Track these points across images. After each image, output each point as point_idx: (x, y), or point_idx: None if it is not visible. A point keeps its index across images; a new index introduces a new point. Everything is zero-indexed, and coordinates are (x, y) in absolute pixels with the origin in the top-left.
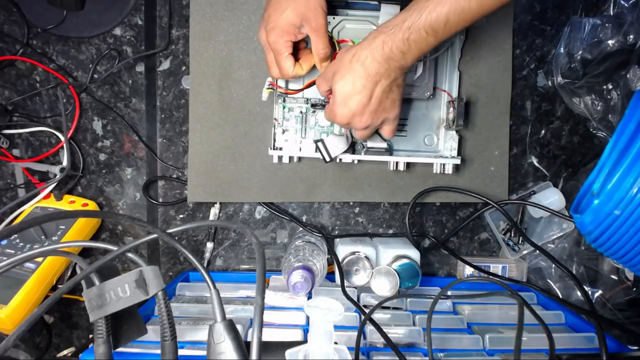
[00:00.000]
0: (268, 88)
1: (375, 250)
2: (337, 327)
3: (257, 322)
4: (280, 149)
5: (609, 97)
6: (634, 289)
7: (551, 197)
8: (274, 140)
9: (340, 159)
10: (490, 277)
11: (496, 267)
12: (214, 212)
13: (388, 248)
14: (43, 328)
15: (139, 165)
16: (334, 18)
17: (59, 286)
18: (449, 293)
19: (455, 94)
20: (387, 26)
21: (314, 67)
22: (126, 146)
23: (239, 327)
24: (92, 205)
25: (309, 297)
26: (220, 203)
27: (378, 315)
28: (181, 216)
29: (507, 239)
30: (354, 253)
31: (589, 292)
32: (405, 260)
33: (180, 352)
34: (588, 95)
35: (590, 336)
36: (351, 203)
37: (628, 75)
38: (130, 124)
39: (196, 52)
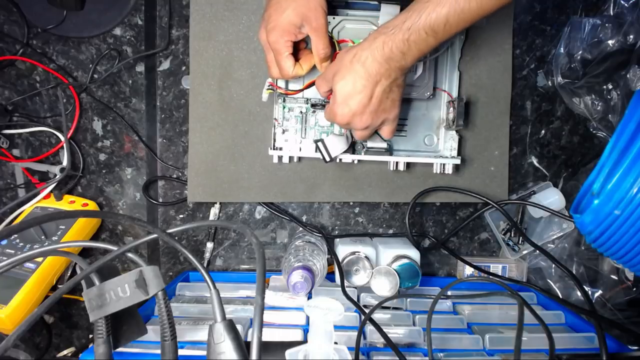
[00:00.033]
0: (268, 89)
1: (375, 250)
2: (337, 327)
3: (257, 322)
4: (280, 149)
5: (609, 97)
6: (634, 289)
7: (551, 197)
8: (274, 140)
9: (340, 159)
10: (490, 277)
11: (496, 267)
12: (214, 212)
13: (388, 248)
14: (43, 328)
15: (139, 165)
16: (334, 18)
17: (59, 286)
18: (449, 293)
19: (455, 94)
20: (387, 27)
21: (313, 67)
22: (126, 146)
23: (239, 327)
24: (92, 205)
25: (309, 297)
26: (220, 203)
27: (378, 315)
28: (181, 216)
29: (507, 239)
30: (354, 253)
31: (589, 292)
32: (405, 260)
33: (180, 352)
34: (588, 95)
35: (590, 336)
36: (351, 203)
37: (628, 75)
38: (130, 124)
39: (196, 52)
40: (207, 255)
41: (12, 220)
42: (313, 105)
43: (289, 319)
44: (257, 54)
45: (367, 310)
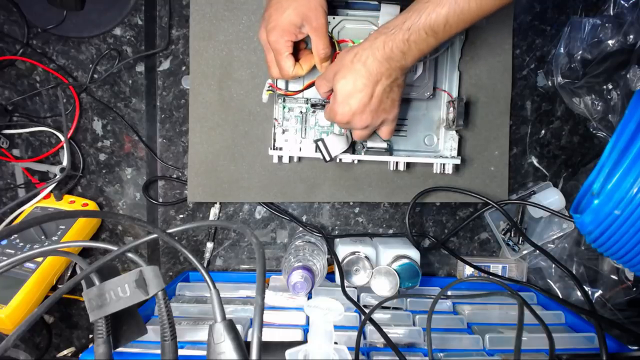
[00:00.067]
0: (268, 90)
1: (375, 250)
2: (337, 327)
3: (257, 322)
4: (280, 149)
5: (609, 97)
6: (634, 289)
7: (551, 197)
8: (274, 140)
9: (340, 159)
10: (490, 277)
11: (496, 267)
12: (214, 212)
13: (388, 248)
14: (43, 328)
15: (139, 165)
16: (334, 18)
17: (59, 286)
18: (449, 293)
19: (455, 94)
20: (387, 27)
21: (313, 67)
22: (126, 146)
23: (239, 327)
24: (92, 205)
25: (309, 297)
26: (220, 203)
27: (378, 315)
28: (181, 216)
29: (507, 239)
30: (354, 253)
31: (589, 292)
32: (405, 260)
33: (180, 352)
34: (588, 95)
35: (590, 336)
36: (351, 203)
37: (628, 75)
38: (130, 124)
39: (196, 52)
40: (207, 255)
41: (12, 220)
42: (313, 105)
43: (289, 319)
44: (257, 54)
45: (367, 310)
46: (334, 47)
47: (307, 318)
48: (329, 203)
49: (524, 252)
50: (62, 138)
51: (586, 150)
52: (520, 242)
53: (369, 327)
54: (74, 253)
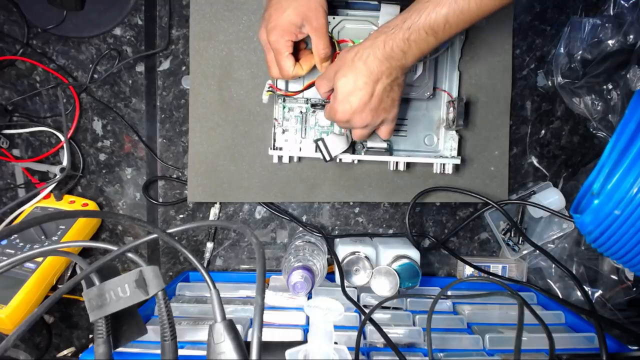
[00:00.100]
0: (268, 91)
1: (375, 250)
2: (337, 327)
3: (257, 322)
4: (280, 149)
5: (609, 97)
6: (634, 289)
7: (551, 197)
8: (274, 140)
9: (340, 159)
10: (490, 277)
11: (496, 267)
12: (214, 212)
13: (388, 248)
14: (43, 328)
15: (139, 165)
16: (334, 18)
17: (59, 286)
18: (449, 293)
19: (455, 94)
20: (387, 26)
21: (313, 67)
22: (126, 146)
23: (239, 327)
24: (92, 205)
25: (309, 297)
26: (220, 203)
27: (378, 315)
28: (181, 216)
29: (507, 239)
30: (354, 253)
31: (589, 292)
32: (405, 260)
33: (180, 352)
34: (588, 95)
35: (590, 336)
36: (351, 203)
37: (628, 75)
38: (130, 124)
39: (196, 52)
40: (207, 255)
41: (12, 220)
42: (313, 105)
43: (289, 319)
44: (257, 54)
45: (367, 310)
46: (334, 47)
47: (307, 318)
48: (329, 203)
49: (524, 252)
50: (62, 138)
51: (586, 150)
52: (520, 242)
53: (369, 327)
54: (74, 253)
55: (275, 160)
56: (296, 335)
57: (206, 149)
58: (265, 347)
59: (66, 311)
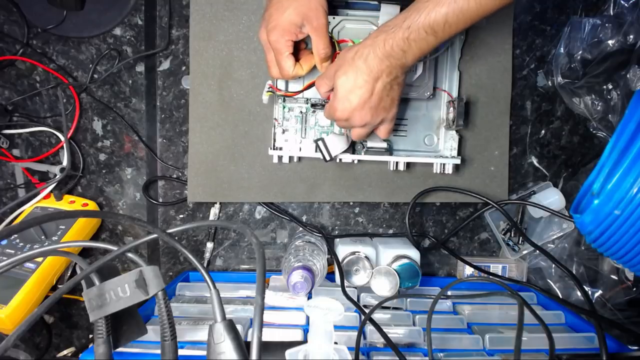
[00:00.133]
0: (268, 91)
1: (375, 250)
2: (337, 327)
3: (257, 322)
4: (280, 149)
5: (609, 97)
6: (634, 289)
7: (551, 197)
8: (274, 140)
9: (340, 159)
10: (490, 277)
11: (496, 267)
12: (214, 212)
13: (388, 248)
14: (43, 328)
15: (139, 165)
16: (334, 18)
17: (59, 286)
18: (449, 293)
19: (455, 94)
20: (388, 25)
21: (313, 67)
22: (126, 146)
23: (239, 327)
24: (92, 205)
25: (309, 297)
26: (220, 203)
27: (378, 315)
28: (181, 216)
29: (507, 239)
30: (354, 253)
31: (589, 292)
32: (405, 260)
33: (180, 352)
34: (588, 95)
35: (590, 336)
36: (351, 203)
37: (628, 75)
38: (130, 124)
39: (196, 52)
40: (207, 255)
41: (12, 220)
42: (313, 105)
43: (289, 319)
44: (257, 54)
45: (367, 310)
46: (334, 47)
47: (307, 318)
48: (329, 203)
49: (524, 252)
50: (62, 138)
51: (586, 150)
52: (520, 242)
53: (369, 327)
54: (74, 253)
55: (275, 160)
56: (296, 335)
57: (206, 149)
58: (265, 347)
59: (66, 311)
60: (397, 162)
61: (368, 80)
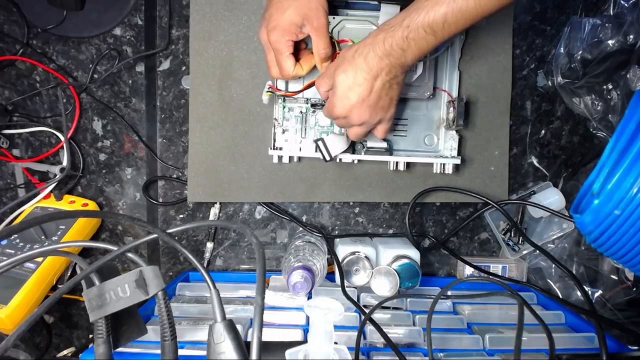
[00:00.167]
0: (268, 91)
1: (375, 250)
2: (337, 327)
3: (257, 322)
4: (280, 149)
5: (609, 97)
6: (634, 289)
7: (551, 197)
8: (274, 140)
9: (340, 159)
10: (490, 277)
11: (496, 267)
12: (214, 212)
13: (388, 248)
14: (43, 328)
15: (139, 165)
16: (334, 18)
17: (59, 286)
18: (449, 293)
19: (455, 94)
20: (387, 24)
21: (314, 68)
22: (126, 146)
23: (239, 327)
24: (92, 205)
25: (309, 297)
26: (220, 203)
27: (378, 315)
28: (181, 216)
29: (507, 239)
30: (354, 253)
31: (589, 292)
32: (405, 260)
33: (180, 352)
34: (588, 95)
35: (590, 336)
36: (351, 203)
37: (628, 75)
38: (130, 124)
39: (196, 52)
40: (207, 255)
41: (12, 220)
42: (313, 105)
43: (289, 319)
44: (257, 54)
45: (367, 310)
46: (334, 47)
47: (307, 318)
48: (329, 203)
49: (524, 252)
50: (62, 138)
51: (586, 150)
52: (520, 242)
53: (369, 327)
54: (74, 253)
55: (275, 160)
56: (296, 335)
57: (206, 149)
58: (265, 347)
59: (66, 311)
60: (397, 162)
61: (367, 78)
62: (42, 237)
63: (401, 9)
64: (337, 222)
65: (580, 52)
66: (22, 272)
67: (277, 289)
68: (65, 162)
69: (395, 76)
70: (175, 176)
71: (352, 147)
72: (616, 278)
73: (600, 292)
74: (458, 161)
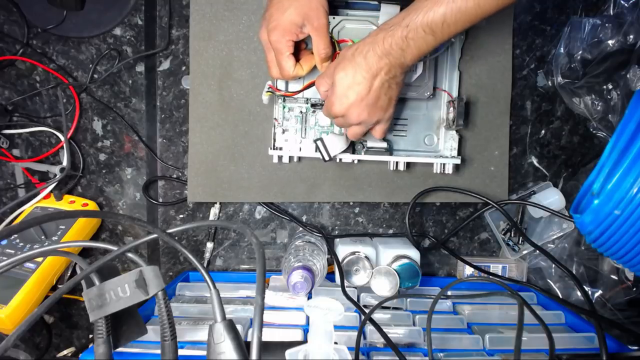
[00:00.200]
0: (267, 91)
1: (375, 250)
2: (337, 327)
3: (257, 322)
4: (280, 148)
5: (609, 97)
6: (634, 289)
7: (551, 197)
8: (274, 140)
9: (340, 159)
10: (490, 277)
11: (496, 267)
12: (214, 212)
13: (388, 248)
14: (43, 328)
15: (139, 165)
16: (334, 18)
17: (59, 286)
18: (449, 293)
19: (455, 94)
20: (387, 24)
21: (314, 68)
22: (126, 146)
23: (239, 327)
24: (92, 205)
25: (309, 297)
26: (220, 203)
27: (378, 315)
28: (181, 216)
29: (507, 239)
30: (354, 253)
31: (589, 292)
32: (405, 260)
33: (180, 352)
34: (588, 95)
35: (590, 336)
36: (351, 203)
37: (628, 75)
38: (130, 124)
39: (196, 52)
40: (207, 255)
41: (12, 220)
42: (313, 105)
43: (289, 319)
44: (257, 54)
45: (367, 310)
46: (334, 47)
47: (307, 318)
48: (329, 203)
49: (524, 252)
50: (62, 138)
51: (586, 150)
52: (520, 242)
53: (369, 327)
54: (74, 253)
55: (275, 160)
56: (296, 335)
57: (206, 149)
58: (265, 347)
59: (66, 311)
60: (397, 162)
61: (366, 77)
62: (42, 237)
63: (401, 9)
64: (337, 222)
65: (580, 52)
66: (22, 272)
67: (277, 289)
68: (65, 162)
69: (394, 76)
70: (175, 176)
71: (352, 147)
72: (616, 278)
73: (600, 292)
74: (458, 161)
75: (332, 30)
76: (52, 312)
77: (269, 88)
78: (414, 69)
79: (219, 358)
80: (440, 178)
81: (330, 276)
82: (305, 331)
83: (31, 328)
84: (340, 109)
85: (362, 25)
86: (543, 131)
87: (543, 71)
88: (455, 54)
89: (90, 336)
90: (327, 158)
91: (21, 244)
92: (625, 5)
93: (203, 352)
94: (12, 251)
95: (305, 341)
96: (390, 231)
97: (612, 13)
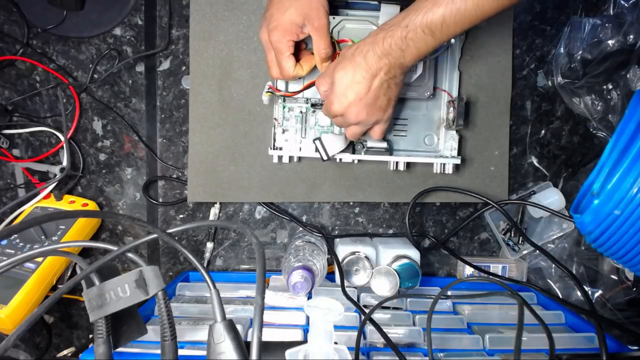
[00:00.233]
0: (267, 92)
1: (375, 250)
2: (337, 327)
3: (257, 322)
4: (280, 148)
5: (609, 97)
6: (634, 289)
7: (551, 197)
8: (274, 140)
9: (340, 159)
10: (490, 277)
11: (496, 267)
12: (214, 212)
13: (388, 248)
14: (43, 328)
15: (139, 165)
16: (334, 18)
17: (59, 286)
18: (449, 293)
19: (455, 94)
20: (387, 24)
21: (314, 68)
22: (126, 146)
23: (239, 327)
24: (92, 205)
25: (309, 297)
26: (220, 203)
27: (378, 315)
28: (181, 216)
29: (507, 239)
30: (354, 253)
31: (589, 292)
32: (405, 260)
33: (180, 352)
34: (588, 95)
35: (590, 336)
36: (351, 203)
37: (628, 75)
38: (130, 124)
39: (196, 52)
40: (207, 255)
41: (12, 220)
42: (313, 105)
43: (289, 319)
44: (257, 54)
45: (367, 310)
46: (334, 47)
47: (307, 318)
48: (329, 203)
49: (524, 252)
50: (62, 138)
51: (586, 150)
52: (520, 242)
53: (369, 327)
54: (74, 253)
55: (275, 160)
56: (296, 335)
57: (206, 149)
58: (265, 347)
59: (66, 311)
60: (397, 162)
61: (366, 77)
62: (42, 237)
63: (401, 9)
64: (337, 222)
65: (580, 52)
66: (22, 272)
67: (277, 289)
68: (65, 162)
69: (394, 76)
70: (175, 176)
71: (352, 147)
72: (616, 278)
73: (600, 292)
74: (458, 161)
75: (332, 30)
76: (52, 312)
77: (269, 88)
78: (414, 69)
79: (219, 358)
80: (440, 178)
81: (330, 276)
82: (305, 331)
83: (31, 328)
84: (339, 108)
85: (362, 25)
86: (543, 131)
87: (543, 71)
88: (455, 54)
89: (90, 336)
90: (325, 158)
91: (21, 244)
92: (625, 5)
93: (203, 352)
94: (12, 251)
95: (305, 341)
96: (390, 231)
97: (612, 13)
